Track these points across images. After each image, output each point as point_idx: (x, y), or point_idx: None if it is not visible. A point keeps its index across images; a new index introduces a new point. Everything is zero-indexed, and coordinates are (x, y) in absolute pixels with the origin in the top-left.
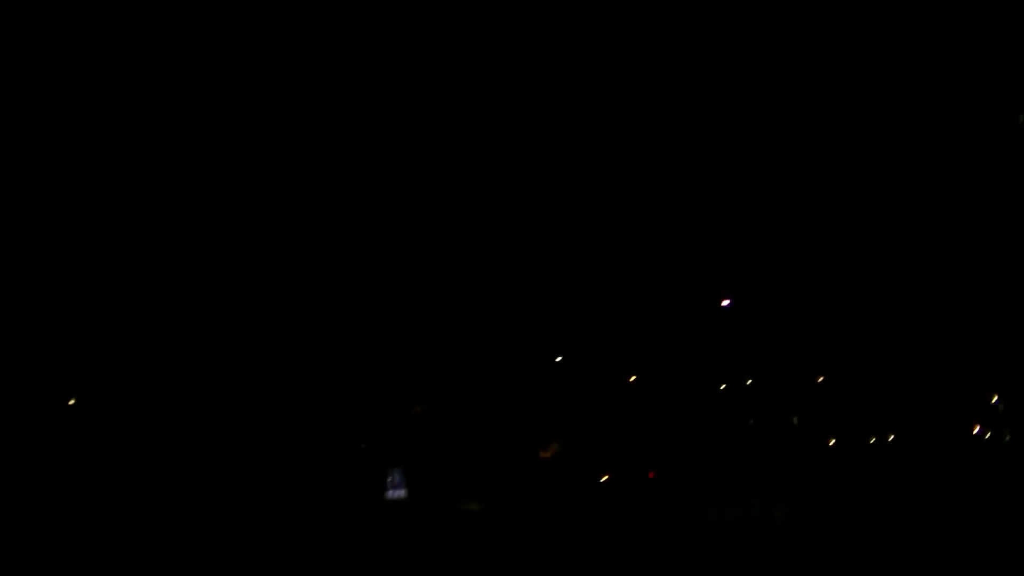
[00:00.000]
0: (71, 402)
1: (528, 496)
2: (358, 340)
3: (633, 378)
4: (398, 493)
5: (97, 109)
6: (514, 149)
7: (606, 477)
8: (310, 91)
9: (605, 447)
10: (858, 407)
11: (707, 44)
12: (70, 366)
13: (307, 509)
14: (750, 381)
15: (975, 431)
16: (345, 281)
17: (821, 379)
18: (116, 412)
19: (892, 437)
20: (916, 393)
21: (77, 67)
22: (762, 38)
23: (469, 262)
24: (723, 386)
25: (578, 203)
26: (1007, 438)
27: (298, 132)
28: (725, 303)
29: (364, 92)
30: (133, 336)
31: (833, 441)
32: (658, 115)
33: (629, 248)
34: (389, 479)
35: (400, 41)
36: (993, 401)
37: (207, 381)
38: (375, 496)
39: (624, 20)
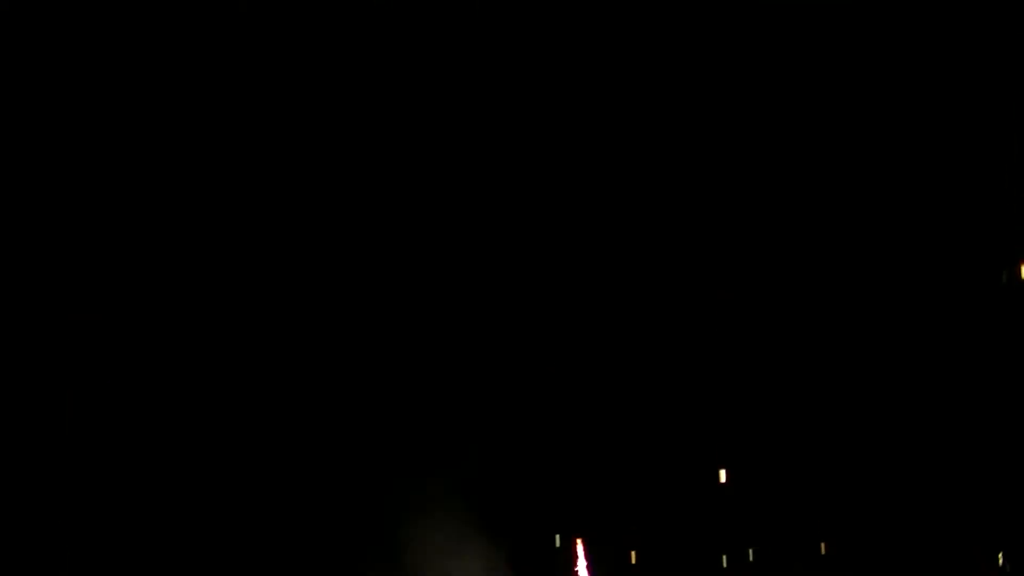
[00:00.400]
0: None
1: None
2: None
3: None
4: None
5: (96, 108)
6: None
7: None
8: (310, 91)
9: None
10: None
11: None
12: (70, 366)
13: None
14: (752, 554)
15: None
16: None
17: (824, 549)
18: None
19: None
20: (920, 555)
21: (75, 66)
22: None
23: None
24: (724, 560)
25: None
26: None
27: (298, 132)
28: (723, 478)
29: (364, 92)
30: (133, 338)
31: None
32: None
33: (622, 420)
34: None
35: (400, 41)
36: (1000, 561)
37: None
38: None
39: (623, 21)
